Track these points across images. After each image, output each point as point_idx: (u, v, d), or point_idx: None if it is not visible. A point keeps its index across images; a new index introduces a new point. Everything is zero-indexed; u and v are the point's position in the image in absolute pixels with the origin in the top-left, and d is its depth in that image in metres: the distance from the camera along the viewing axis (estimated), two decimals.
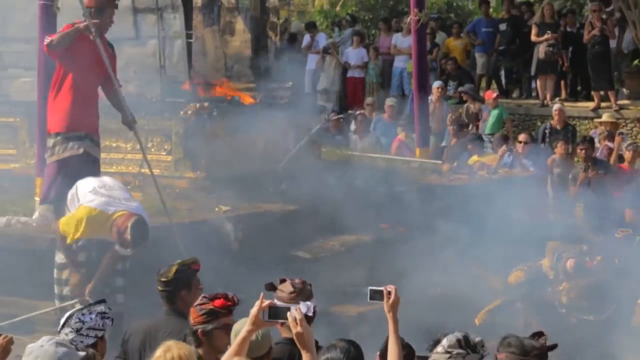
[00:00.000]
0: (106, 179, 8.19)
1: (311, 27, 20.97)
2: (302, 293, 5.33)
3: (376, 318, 8.60)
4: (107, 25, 8.73)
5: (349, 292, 9.37)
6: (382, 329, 5.26)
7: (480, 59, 18.71)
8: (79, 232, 7.78)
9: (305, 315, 4.46)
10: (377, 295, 5.11)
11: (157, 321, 5.98)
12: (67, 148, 8.57)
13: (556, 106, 15.49)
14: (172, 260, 6.18)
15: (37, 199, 9.30)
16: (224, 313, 5.24)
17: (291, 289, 5.34)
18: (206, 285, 6.10)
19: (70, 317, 5.04)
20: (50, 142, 8.69)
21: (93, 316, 5.04)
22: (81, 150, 8.58)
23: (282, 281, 5.42)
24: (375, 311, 8.60)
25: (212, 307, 5.24)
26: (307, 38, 20.55)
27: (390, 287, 5.09)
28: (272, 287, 5.35)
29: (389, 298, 5.06)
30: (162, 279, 5.97)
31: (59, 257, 8.13)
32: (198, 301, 5.32)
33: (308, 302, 4.71)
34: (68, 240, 7.88)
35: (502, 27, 18.49)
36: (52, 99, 8.75)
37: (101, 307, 5.11)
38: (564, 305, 10.18)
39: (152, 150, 10.65)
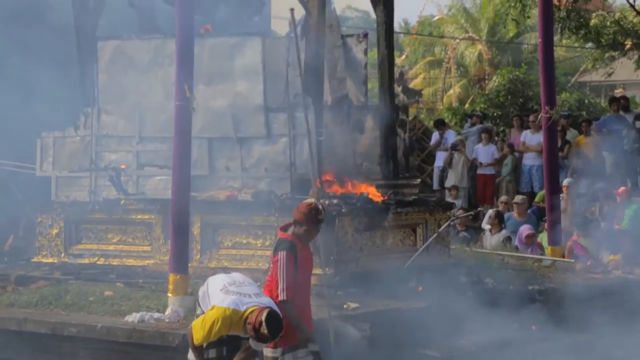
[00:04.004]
0: (236, 275, 8.20)
1: (440, 124, 21.02)
2: None
3: None
4: (309, 238, 8.30)
5: None
6: None
7: (609, 158, 18.38)
8: (213, 333, 7.78)
9: None
10: None
11: None
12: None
13: None
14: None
15: (169, 295, 9.43)
16: None
17: None
18: None
19: None
20: None
21: None
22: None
23: None
24: None
25: None
26: (435, 135, 20.59)
27: None
28: None
29: None
30: None
31: (191, 355, 8.18)
32: None
33: None
34: (200, 342, 7.90)
35: (638, 124, 18.19)
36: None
37: None
38: None
39: None
